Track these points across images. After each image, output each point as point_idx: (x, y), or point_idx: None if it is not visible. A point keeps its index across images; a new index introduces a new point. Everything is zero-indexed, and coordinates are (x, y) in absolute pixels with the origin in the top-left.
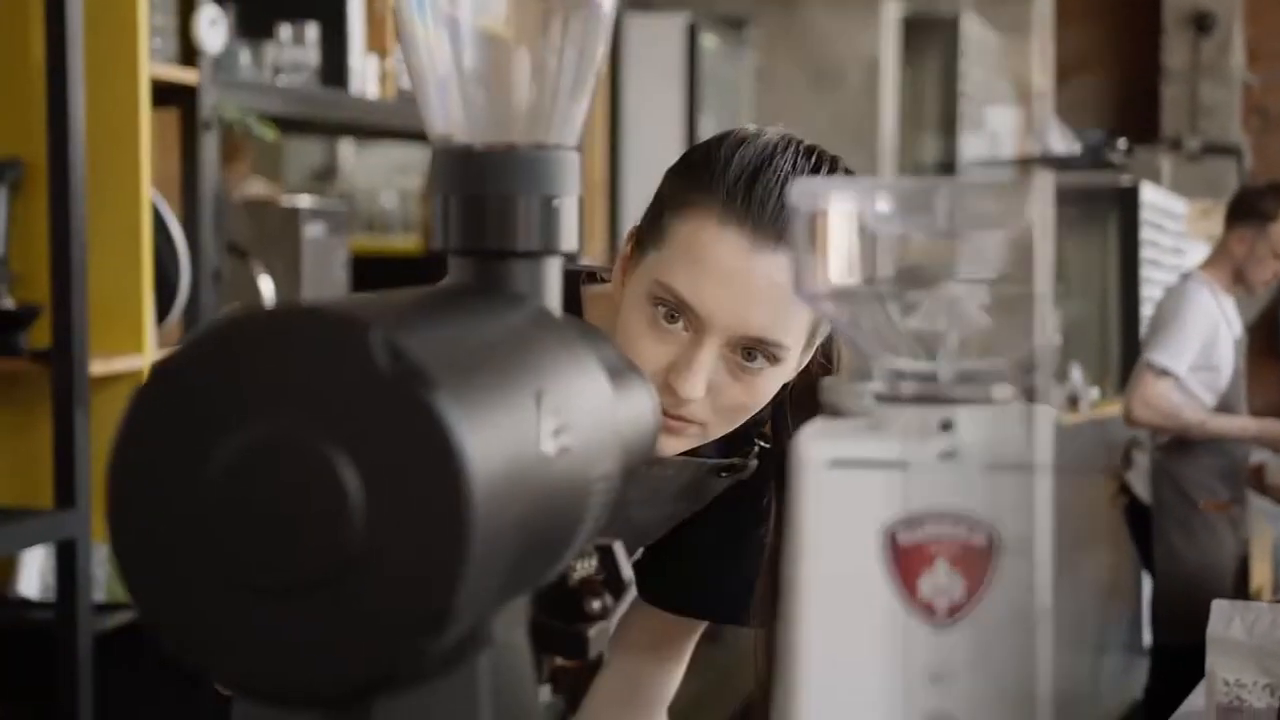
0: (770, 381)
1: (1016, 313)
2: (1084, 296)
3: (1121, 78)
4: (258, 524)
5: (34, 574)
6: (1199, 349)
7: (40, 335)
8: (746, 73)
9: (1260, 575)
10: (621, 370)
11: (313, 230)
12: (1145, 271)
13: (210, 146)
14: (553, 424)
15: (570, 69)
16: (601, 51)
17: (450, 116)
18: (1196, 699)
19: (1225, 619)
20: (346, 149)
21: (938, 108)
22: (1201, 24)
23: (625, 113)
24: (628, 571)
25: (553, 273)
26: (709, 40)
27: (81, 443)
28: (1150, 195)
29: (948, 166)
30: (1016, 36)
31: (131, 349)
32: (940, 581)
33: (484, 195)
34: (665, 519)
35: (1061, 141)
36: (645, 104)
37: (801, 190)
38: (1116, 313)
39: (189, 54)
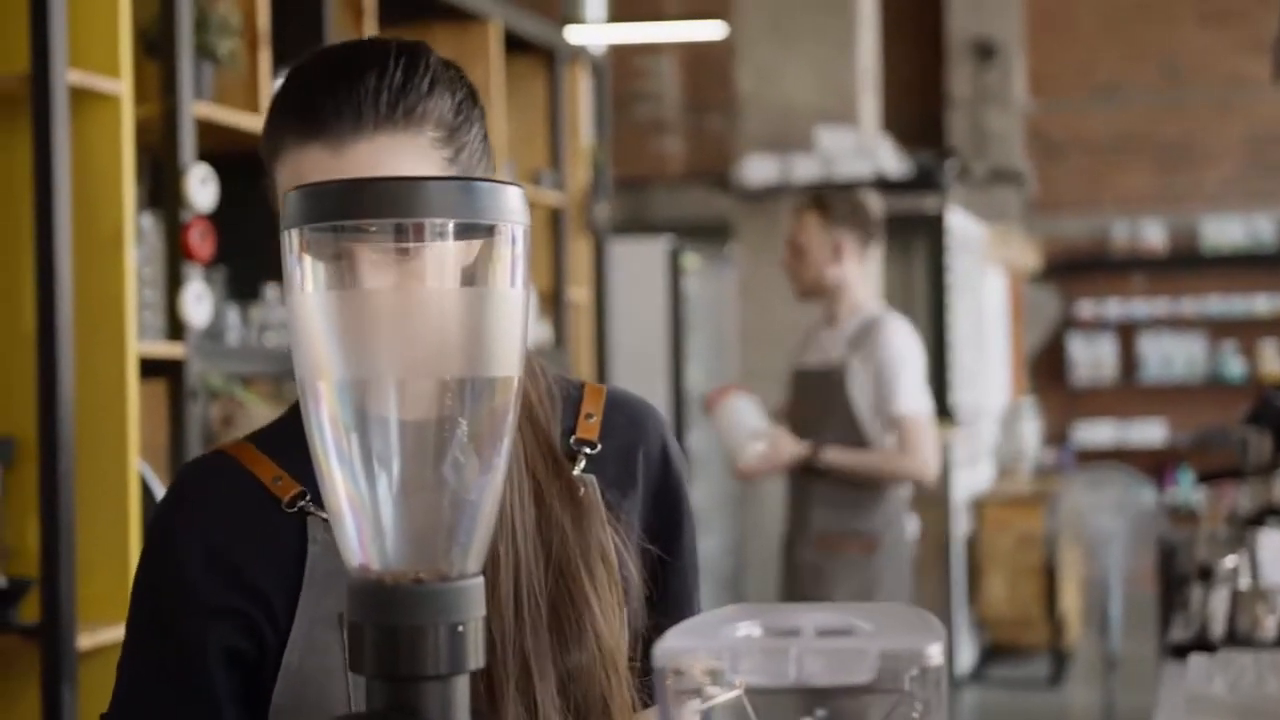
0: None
1: None
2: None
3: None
4: None
5: None
6: None
7: (30, 609)
8: (729, 286)
9: None
10: None
11: None
12: (949, 297)
13: (196, 415)
14: None
15: (470, 505)
16: (498, 484)
17: (366, 549)
18: None
19: (1204, 675)
20: None
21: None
22: (984, 52)
23: (611, 335)
24: None
25: (461, 689)
26: (691, 260)
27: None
28: (955, 221)
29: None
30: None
31: (120, 620)
32: None
33: (396, 627)
34: None
35: (891, 160)
36: (631, 325)
37: (663, 649)
38: (929, 335)
39: (176, 326)
